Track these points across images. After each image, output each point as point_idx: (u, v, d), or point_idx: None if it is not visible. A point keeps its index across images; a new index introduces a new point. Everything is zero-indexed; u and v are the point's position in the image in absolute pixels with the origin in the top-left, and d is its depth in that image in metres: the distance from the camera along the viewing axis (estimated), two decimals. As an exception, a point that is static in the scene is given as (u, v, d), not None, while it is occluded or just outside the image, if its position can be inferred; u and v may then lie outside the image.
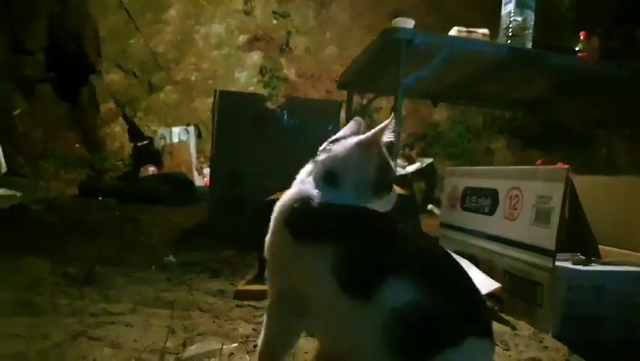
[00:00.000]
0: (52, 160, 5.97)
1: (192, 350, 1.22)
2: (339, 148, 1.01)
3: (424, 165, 5.15)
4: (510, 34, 2.89)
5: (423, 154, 5.85)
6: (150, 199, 4.49)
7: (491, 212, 1.89)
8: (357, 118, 1.04)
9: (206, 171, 6.16)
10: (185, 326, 1.42)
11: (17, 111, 4.96)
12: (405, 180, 5.18)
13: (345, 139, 1.03)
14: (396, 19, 2.98)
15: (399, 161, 5.64)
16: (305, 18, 7.29)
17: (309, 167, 1.02)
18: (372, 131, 0.99)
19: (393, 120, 0.98)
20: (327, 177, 0.96)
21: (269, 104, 3.13)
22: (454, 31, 2.94)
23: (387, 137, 1.00)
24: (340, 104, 3.11)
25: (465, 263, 1.92)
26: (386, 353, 0.77)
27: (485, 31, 2.89)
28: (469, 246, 2.03)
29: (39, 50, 7.32)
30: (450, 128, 6.57)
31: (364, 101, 5.00)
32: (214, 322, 1.47)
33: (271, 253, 0.96)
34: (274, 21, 7.08)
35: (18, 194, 4.14)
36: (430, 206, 4.76)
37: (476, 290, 0.87)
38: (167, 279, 1.95)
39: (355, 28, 7.24)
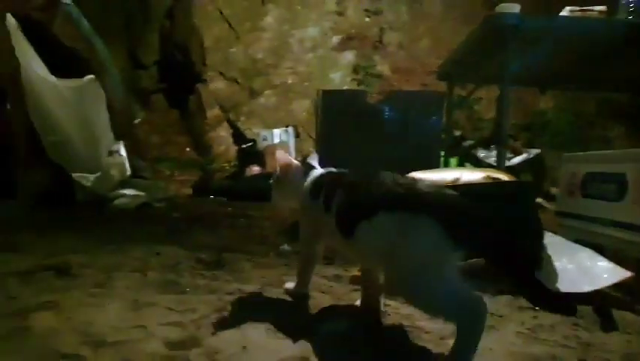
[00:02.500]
0: (167, 163, 6.52)
1: (324, 324, 1.31)
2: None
3: (531, 156, 4.90)
4: (631, 8, 2.69)
5: (528, 145, 5.55)
6: (256, 197, 4.74)
7: (619, 198, 1.78)
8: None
9: (305, 169, 6.36)
10: (310, 305, 1.52)
11: (138, 120, 5.49)
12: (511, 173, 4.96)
13: None
14: (501, 4, 2.90)
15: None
16: (398, 13, 7.25)
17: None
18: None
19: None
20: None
21: (370, 100, 3.19)
22: (565, 12, 2.80)
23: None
24: (443, 96, 3.09)
25: (588, 252, 1.83)
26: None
27: (602, 8, 2.71)
28: (593, 234, 1.92)
29: (152, 64, 8.05)
30: (557, 116, 6.17)
31: (464, 93, 4.89)
32: (334, 303, 1.55)
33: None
34: (366, 19, 7.14)
35: (142, 194, 4.59)
36: (538, 200, 4.52)
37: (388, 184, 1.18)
38: (285, 265, 2.08)
39: (449, 19, 7.07)
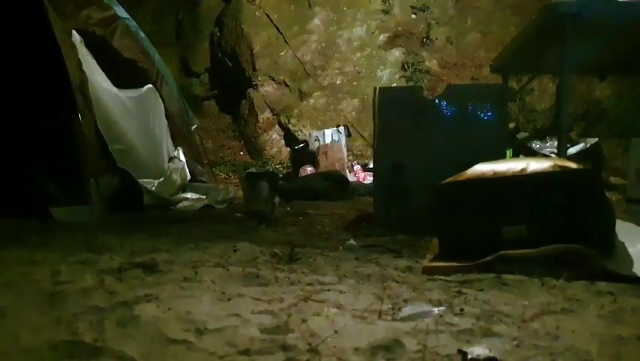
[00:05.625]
0: (222, 167, 6.74)
1: (407, 310, 1.36)
2: None
3: (588, 145, 4.76)
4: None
5: (584, 134, 5.38)
6: (311, 196, 4.84)
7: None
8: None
9: (357, 167, 6.42)
10: (388, 294, 1.57)
11: (194, 127, 5.69)
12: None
13: None
14: (559, -8, 2.86)
15: (553, 143, 5.27)
16: (444, 8, 7.19)
17: None
18: None
19: None
20: None
21: (427, 95, 3.20)
22: (627, -5, 2.73)
23: None
24: (502, 87, 3.06)
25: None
26: None
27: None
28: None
29: (204, 71, 8.34)
30: (615, 104, 5.94)
31: (516, 84, 4.80)
32: (414, 291, 1.60)
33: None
34: (413, 16, 7.12)
35: (204, 197, 4.79)
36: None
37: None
38: (355, 258, 2.14)
39: (498, 10, 6.95)
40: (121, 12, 4.56)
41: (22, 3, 3.47)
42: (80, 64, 3.80)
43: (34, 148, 3.38)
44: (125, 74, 4.58)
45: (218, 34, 7.81)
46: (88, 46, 4.05)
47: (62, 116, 3.50)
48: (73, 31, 3.97)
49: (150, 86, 4.87)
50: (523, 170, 1.91)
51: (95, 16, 4.25)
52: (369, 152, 6.47)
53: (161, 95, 4.99)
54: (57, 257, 1.90)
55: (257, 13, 7.33)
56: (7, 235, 2.47)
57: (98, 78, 4.13)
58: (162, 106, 5.02)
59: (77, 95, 3.60)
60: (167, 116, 5.09)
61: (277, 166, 6.74)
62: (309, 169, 5.75)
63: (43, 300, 1.38)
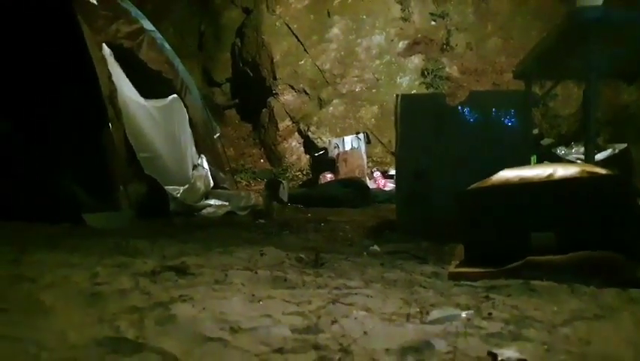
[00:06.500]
0: (243, 174, 6.83)
1: (435, 314, 1.38)
2: None
3: (617, 151, 4.69)
4: None
5: (611, 140, 5.31)
6: (332, 203, 4.88)
7: None
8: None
9: (377, 174, 6.44)
10: (415, 299, 1.59)
11: (217, 135, 5.78)
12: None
13: None
14: (583, -3, 2.85)
15: (579, 149, 5.20)
16: (464, 15, 7.20)
17: None
18: None
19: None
20: None
21: (449, 101, 3.22)
22: (654, 0, 2.71)
23: None
24: (526, 93, 3.06)
25: None
26: None
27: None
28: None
29: (225, 81, 8.47)
30: (644, 108, 5.85)
31: (539, 90, 4.77)
32: (441, 296, 1.62)
33: None
34: (432, 22, 7.14)
35: (226, 203, 4.87)
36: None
37: None
38: (380, 264, 2.17)
39: (519, 16, 6.93)
40: (147, 25, 4.69)
41: (56, 19, 3.62)
42: (109, 75, 3.92)
43: (66, 156, 3.49)
44: (151, 85, 4.70)
45: (239, 44, 7.93)
46: (116, 58, 4.18)
47: (93, 125, 3.61)
48: (104, 45, 4.10)
49: (175, 95, 4.98)
50: (550, 176, 1.92)
51: (123, 29, 4.38)
52: (389, 158, 6.48)
53: (185, 105, 5.09)
54: (93, 260, 1.97)
55: (277, 24, 7.43)
56: (42, 239, 2.56)
57: (125, 89, 4.25)
58: (186, 115, 5.12)
59: (107, 105, 3.71)
60: (191, 125, 5.19)
61: (297, 173, 6.80)
62: (329, 176, 5.79)
63: (85, 300, 1.44)
